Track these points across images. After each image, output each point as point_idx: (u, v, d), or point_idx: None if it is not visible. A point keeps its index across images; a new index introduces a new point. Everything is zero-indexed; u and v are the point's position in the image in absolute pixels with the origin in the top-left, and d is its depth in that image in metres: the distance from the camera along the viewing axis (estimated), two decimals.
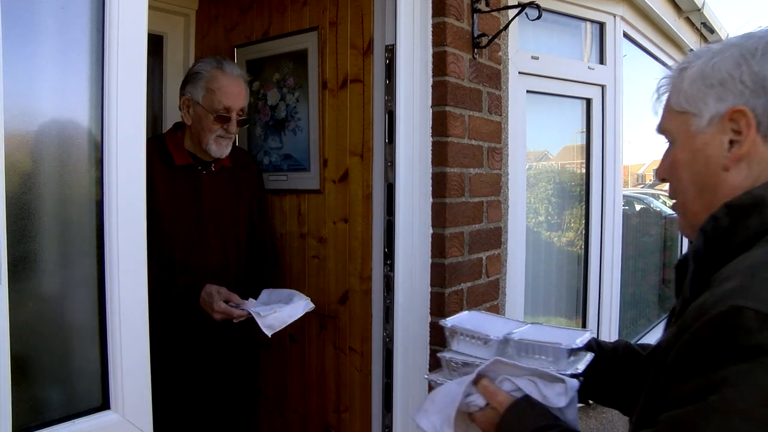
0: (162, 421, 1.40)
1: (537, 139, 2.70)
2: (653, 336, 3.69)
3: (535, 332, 1.20)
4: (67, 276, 1.21)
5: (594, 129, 2.82)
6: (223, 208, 2.05)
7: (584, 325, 2.86)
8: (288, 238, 2.29)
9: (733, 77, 0.80)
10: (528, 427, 0.89)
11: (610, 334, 2.87)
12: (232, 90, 1.92)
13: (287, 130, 2.29)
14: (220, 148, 1.95)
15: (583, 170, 2.87)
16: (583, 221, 2.88)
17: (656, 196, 4.85)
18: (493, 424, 0.93)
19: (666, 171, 0.90)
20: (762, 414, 0.59)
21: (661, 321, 3.96)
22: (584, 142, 2.86)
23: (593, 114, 2.81)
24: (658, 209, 4.63)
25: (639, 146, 3.89)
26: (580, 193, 2.89)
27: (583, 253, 2.88)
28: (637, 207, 4.30)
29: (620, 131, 2.90)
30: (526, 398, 0.94)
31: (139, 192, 1.26)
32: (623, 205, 3.07)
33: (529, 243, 2.60)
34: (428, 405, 1.07)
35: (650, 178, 4.87)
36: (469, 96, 2.06)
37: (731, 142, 0.81)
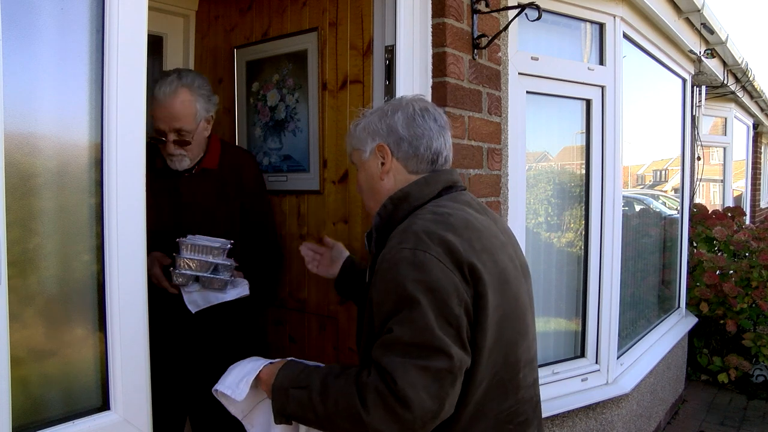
0: (162, 422, 1.39)
1: (537, 140, 2.70)
2: (654, 336, 3.68)
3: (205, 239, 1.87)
4: (67, 277, 1.21)
5: (594, 130, 2.82)
6: (206, 209, 2.05)
7: (584, 326, 2.86)
8: (287, 239, 2.29)
9: (378, 127, 1.37)
10: (292, 373, 1.32)
11: (610, 334, 2.87)
12: (161, 113, 1.93)
13: (287, 131, 2.29)
14: (173, 163, 2.01)
15: (583, 171, 2.87)
16: (583, 222, 2.88)
17: (656, 197, 4.83)
18: (273, 373, 1.33)
19: (357, 185, 1.47)
20: (418, 281, 1.14)
21: (661, 321, 3.96)
22: (584, 143, 2.86)
23: (593, 115, 2.81)
24: (657, 210, 4.62)
25: (639, 147, 3.88)
26: (580, 194, 2.89)
27: (582, 253, 2.88)
28: (637, 208, 4.29)
29: (620, 132, 2.90)
30: (293, 360, 1.40)
31: (139, 193, 1.27)
32: (623, 206, 3.07)
33: (529, 244, 2.60)
34: (225, 376, 1.41)
35: (650, 178, 4.84)
36: (469, 97, 2.07)
37: (382, 164, 1.37)
